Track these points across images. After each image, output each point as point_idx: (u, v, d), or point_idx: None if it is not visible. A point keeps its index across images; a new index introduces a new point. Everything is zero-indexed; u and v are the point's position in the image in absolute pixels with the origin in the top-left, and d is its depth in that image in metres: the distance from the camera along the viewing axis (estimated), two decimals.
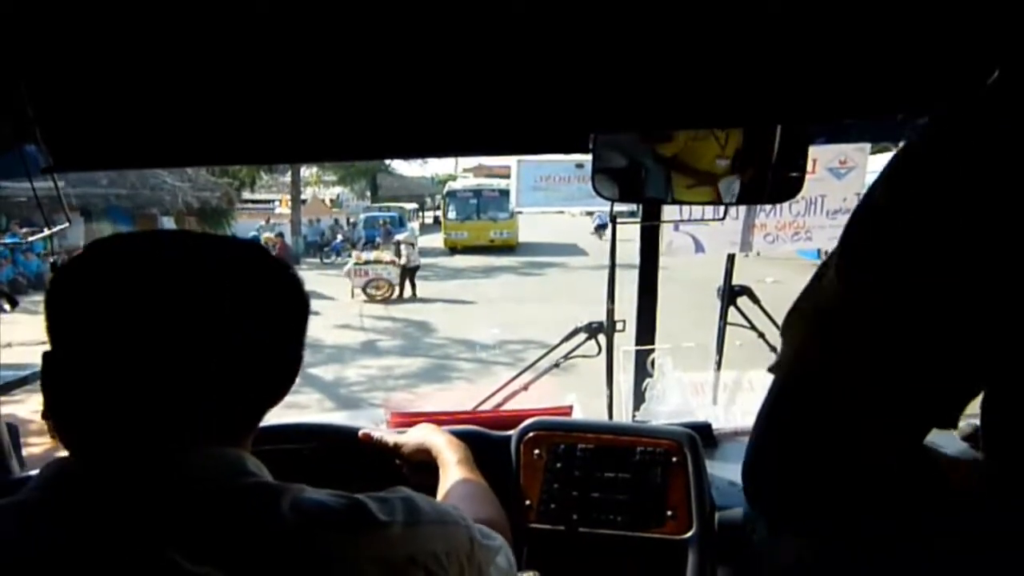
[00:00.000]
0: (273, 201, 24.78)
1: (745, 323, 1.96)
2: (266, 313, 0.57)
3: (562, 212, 21.53)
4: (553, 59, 0.92)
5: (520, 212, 18.62)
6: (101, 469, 0.51)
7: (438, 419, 1.33)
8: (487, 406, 1.66)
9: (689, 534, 1.08)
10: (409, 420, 1.33)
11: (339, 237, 18.52)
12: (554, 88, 0.97)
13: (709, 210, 1.74)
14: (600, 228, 23.46)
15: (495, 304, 10.79)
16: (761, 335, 1.87)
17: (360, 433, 1.07)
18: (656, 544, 1.09)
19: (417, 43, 0.89)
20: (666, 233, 2.08)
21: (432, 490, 0.92)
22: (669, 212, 1.79)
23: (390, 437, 1.06)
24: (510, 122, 1.05)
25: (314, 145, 1.09)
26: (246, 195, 24.53)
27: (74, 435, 0.54)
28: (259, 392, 0.59)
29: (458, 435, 1.07)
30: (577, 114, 1.02)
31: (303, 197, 22.85)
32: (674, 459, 1.12)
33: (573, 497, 1.12)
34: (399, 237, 14.10)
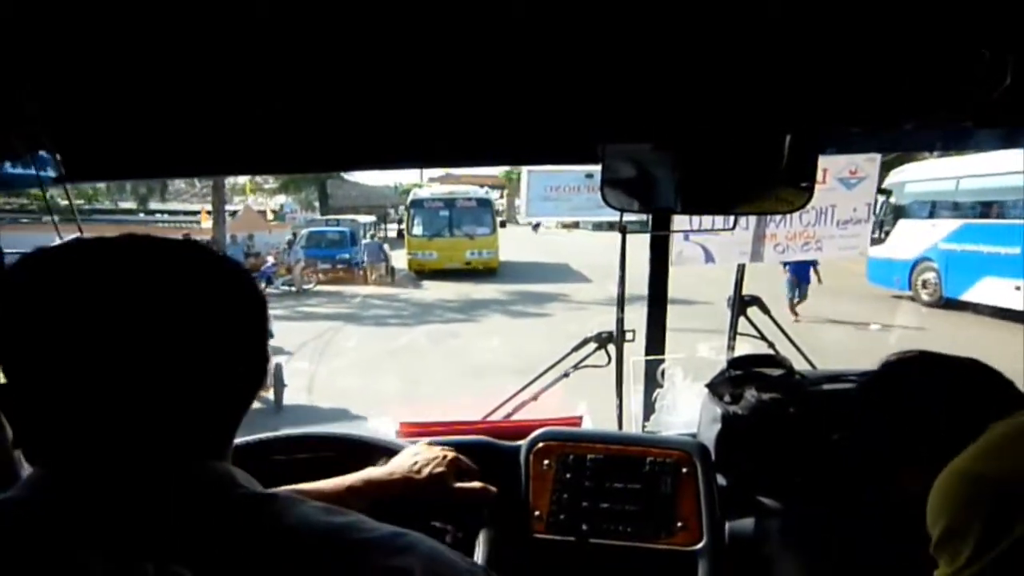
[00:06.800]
0: (196, 213, 20.27)
1: (755, 333, 1.96)
2: (231, 315, 0.55)
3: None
4: (562, 69, 0.93)
5: (519, 224, 17.77)
6: (87, 482, 0.49)
7: (448, 429, 1.34)
8: (497, 416, 1.66)
9: (699, 545, 1.07)
10: (419, 429, 1.34)
11: (270, 259, 13.97)
12: (563, 98, 0.98)
13: (719, 220, 1.74)
14: (535, 227, 24.10)
15: (487, 380, 5.91)
16: (771, 345, 1.87)
17: None
18: (666, 555, 1.08)
19: (427, 52, 0.90)
20: (676, 243, 2.08)
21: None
22: (679, 222, 1.79)
23: None
24: (519, 131, 1.06)
25: (325, 153, 1.10)
26: (154, 205, 20.79)
27: (51, 456, 0.51)
28: (235, 398, 0.56)
29: (467, 445, 1.07)
30: (586, 124, 1.03)
31: (233, 208, 18.46)
32: (684, 470, 1.12)
33: (583, 507, 1.12)
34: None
